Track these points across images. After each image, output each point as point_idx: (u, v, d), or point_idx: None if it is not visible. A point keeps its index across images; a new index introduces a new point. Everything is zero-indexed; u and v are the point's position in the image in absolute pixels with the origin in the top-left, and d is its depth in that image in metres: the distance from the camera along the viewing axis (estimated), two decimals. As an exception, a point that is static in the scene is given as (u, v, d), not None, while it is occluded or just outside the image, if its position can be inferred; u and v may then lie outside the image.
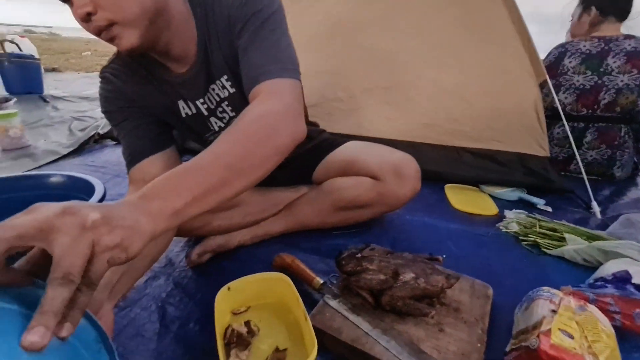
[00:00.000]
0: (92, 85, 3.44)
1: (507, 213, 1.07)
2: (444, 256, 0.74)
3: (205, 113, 0.72)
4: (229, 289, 0.65)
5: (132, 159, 0.70)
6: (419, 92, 1.33)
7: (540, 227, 0.95)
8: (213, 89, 0.70)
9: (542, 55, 1.30)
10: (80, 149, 1.57)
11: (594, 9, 1.36)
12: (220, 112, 0.73)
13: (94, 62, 5.35)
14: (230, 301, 0.65)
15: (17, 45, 2.85)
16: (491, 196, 1.23)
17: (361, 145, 0.92)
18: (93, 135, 1.67)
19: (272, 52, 0.57)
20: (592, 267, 0.83)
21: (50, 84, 3.14)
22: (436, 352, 0.56)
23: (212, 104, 0.72)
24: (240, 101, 0.70)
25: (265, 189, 0.94)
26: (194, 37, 0.63)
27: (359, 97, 1.39)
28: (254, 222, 0.89)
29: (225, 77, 0.68)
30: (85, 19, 0.50)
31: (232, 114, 0.74)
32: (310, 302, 0.67)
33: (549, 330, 0.52)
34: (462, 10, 1.27)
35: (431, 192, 1.23)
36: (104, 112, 0.72)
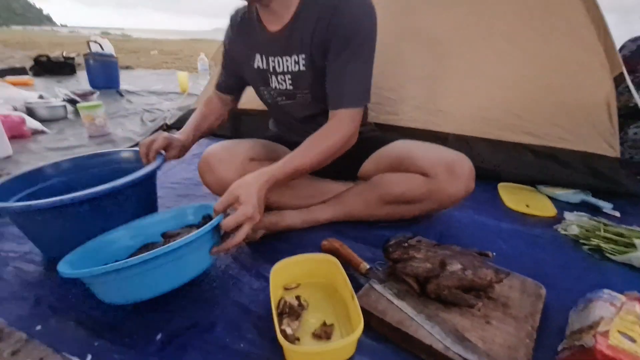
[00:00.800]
0: (159, 81, 3.78)
1: (567, 215, 1.00)
2: (494, 253, 0.73)
3: (271, 70, 0.85)
4: (281, 265, 0.71)
5: (221, 80, 1.02)
6: (476, 84, 1.27)
7: (605, 231, 0.89)
8: (287, 60, 0.81)
9: (618, 45, 1.19)
10: (151, 137, 1.75)
11: None
12: (281, 79, 0.85)
13: (161, 60, 5.85)
14: (283, 276, 0.71)
15: (100, 45, 3.23)
16: (550, 197, 1.16)
17: (412, 142, 0.92)
18: (162, 125, 1.85)
19: (356, 82, 0.76)
20: (666, 277, 0.76)
21: (125, 80, 3.51)
22: (481, 342, 0.57)
23: (279, 68, 0.83)
24: (301, 81, 0.82)
25: (316, 179, 0.99)
26: (293, 7, 0.76)
27: (410, 87, 1.36)
28: (301, 204, 0.94)
29: (303, 56, 0.79)
30: None
31: (289, 87, 0.85)
32: (356, 286, 0.70)
33: (607, 332, 0.50)
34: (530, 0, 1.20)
35: (483, 190, 1.19)
36: (224, 40, 0.97)
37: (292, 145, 0.96)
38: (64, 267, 0.60)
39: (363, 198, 0.93)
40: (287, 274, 0.72)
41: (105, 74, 3.09)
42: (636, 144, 1.29)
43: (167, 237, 0.75)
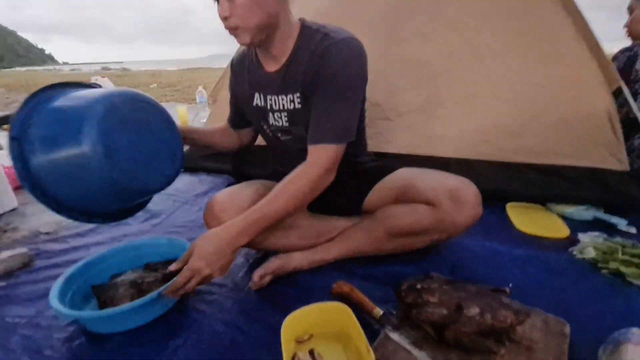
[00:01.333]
0: (159, 115, 3.84)
1: (582, 236, 0.98)
2: (510, 285, 0.70)
3: (269, 107, 0.88)
4: (292, 318, 0.68)
5: (230, 118, 1.06)
6: (474, 107, 1.27)
7: (624, 253, 0.86)
8: (282, 98, 0.84)
9: (610, 43, 1.19)
10: (154, 177, 1.76)
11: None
12: (278, 117, 0.88)
13: (160, 93, 5.96)
14: (294, 329, 0.69)
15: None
16: (561, 216, 1.13)
17: (414, 171, 0.91)
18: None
19: (337, 119, 0.77)
20: (694, 302, 0.73)
21: (126, 117, 3.56)
22: (508, 395, 0.54)
23: (276, 105, 0.87)
24: (297, 118, 0.85)
25: (321, 217, 0.98)
26: (289, 50, 0.81)
27: (409, 115, 1.37)
28: (308, 245, 0.92)
29: (298, 94, 0.82)
30: (223, 19, 0.73)
31: (286, 124, 0.88)
32: (370, 332, 0.68)
33: (643, 381, 0.47)
34: (518, 18, 1.22)
35: (491, 212, 1.15)
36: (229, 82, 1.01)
37: None
38: (56, 303, 0.72)
39: (369, 233, 0.91)
40: (298, 326, 0.70)
41: (106, 114, 3.15)
42: (642, 154, 1.27)
43: (149, 268, 0.89)
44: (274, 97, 0.85)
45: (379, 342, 0.65)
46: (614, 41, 1.37)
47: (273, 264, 0.86)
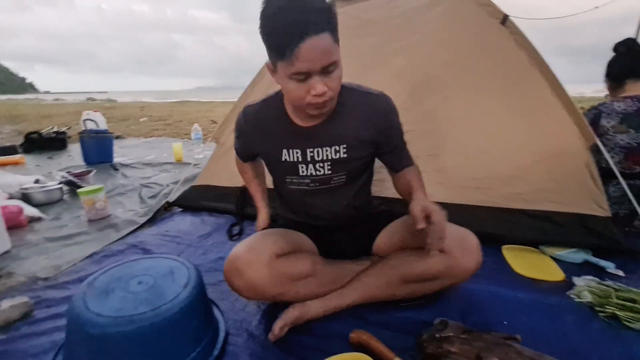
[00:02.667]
0: (151, 150, 3.84)
1: (576, 280, 1.04)
2: (519, 337, 0.75)
3: (308, 159, 0.91)
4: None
5: (238, 154, 1.10)
6: (468, 159, 1.38)
7: (617, 297, 0.92)
8: (327, 150, 0.90)
9: (571, 86, 1.35)
10: (154, 218, 1.75)
11: (606, 78, 1.50)
12: (319, 167, 0.92)
13: (151, 127, 5.99)
14: (318, 382, 0.70)
15: (95, 122, 3.32)
16: (553, 258, 1.21)
17: None
18: (163, 204, 1.86)
19: (403, 151, 1.00)
20: (686, 345, 0.79)
21: (117, 151, 3.53)
22: None
23: (318, 156, 0.91)
24: (340, 166, 0.92)
25: (335, 261, 1.01)
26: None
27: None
28: (325, 292, 0.94)
29: (344, 145, 0.89)
30: (319, 95, 0.74)
31: (328, 173, 0.93)
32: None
33: None
34: (506, 84, 1.36)
35: (488, 254, 1.21)
36: (235, 129, 1.01)
37: (308, 229, 1.01)
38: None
39: (384, 279, 0.94)
40: (321, 378, 0.71)
41: (99, 150, 3.13)
42: (618, 199, 1.39)
43: None
44: (316, 150, 0.90)
45: (403, 394, 0.67)
46: (576, 83, 1.53)
47: (292, 315, 0.88)
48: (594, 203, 1.23)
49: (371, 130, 0.90)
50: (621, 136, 1.37)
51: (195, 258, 1.34)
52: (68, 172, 2.43)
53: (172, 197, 1.90)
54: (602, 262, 1.14)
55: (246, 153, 1.06)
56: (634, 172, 1.36)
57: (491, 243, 1.27)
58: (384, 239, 1.02)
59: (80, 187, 2.10)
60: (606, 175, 1.32)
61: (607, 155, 1.25)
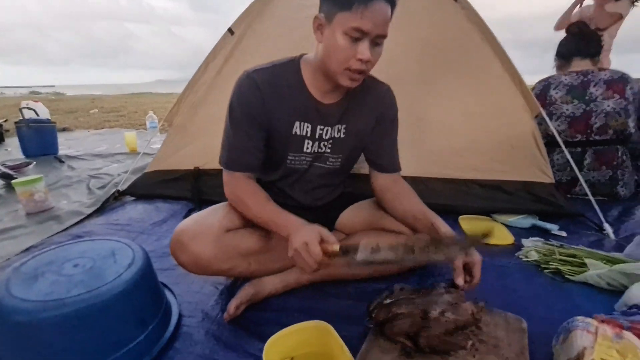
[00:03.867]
0: (102, 142, 3.57)
1: (524, 242, 1.10)
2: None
3: (317, 137, 0.88)
4: (273, 342, 0.67)
5: (235, 165, 0.84)
6: (426, 133, 1.41)
7: (560, 254, 0.98)
8: (332, 128, 0.88)
9: (528, 78, 1.41)
10: (102, 208, 1.62)
11: (556, 57, 1.61)
12: (323, 145, 0.90)
13: (102, 118, 5.57)
14: (275, 353, 0.67)
15: (34, 110, 3.02)
16: (505, 225, 1.27)
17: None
18: (113, 193, 1.73)
19: (395, 150, 0.96)
20: (618, 291, 0.86)
21: (63, 144, 3.25)
22: (484, 392, 0.58)
23: (326, 135, 0.88)
24: (339, 147, 0.91)
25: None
26: (345, 91, 0.85)
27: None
28: (281, 268, 0.92)
29: (345, 125, 0.89)
30: (364, 62, 0.73)
31: (327, 151, 0.91)
32: (353, 348, 0.69)
33: (591, 361, 0.54)
34: (458, 59, 1.39)
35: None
36: (239, 103, 0.82)
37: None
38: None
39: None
40: (279, 350, 0.68)
41: (40, 141, 2.85)
42: (561, 167, 1.49)
43: None
44: (327, 129, 0.87)
45: (361, 356, 0.67)
46: (527, 74, 1.63)
47: (248, 292, 0.84)
48: (539, 171, 1.31)
49: (373, 118, 0.90)
50: (567, 106, 1.46)
51: (148, 244, 1.25)
52: (2, 164, 2.19)
53: (124, 187, 1.78)
54: (548, 225, 1.21)
55: (249, 146, 0.82)
56: (574, 140, 1.46)
57: (448, 214, 1.31)
58: (349, 216, 1.02)
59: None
60: (550, 144, 1.40)
61: (550, 125, 1.32)
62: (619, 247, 1.09)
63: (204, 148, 1.60)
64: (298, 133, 0.86)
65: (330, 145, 0.90)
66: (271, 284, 0.89)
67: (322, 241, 0.70)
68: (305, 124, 0.86)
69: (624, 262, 0.90)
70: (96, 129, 4.59)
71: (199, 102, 1.63)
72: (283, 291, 0.91)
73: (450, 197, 1.34)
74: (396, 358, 0.66)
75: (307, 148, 0.89)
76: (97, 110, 6.60)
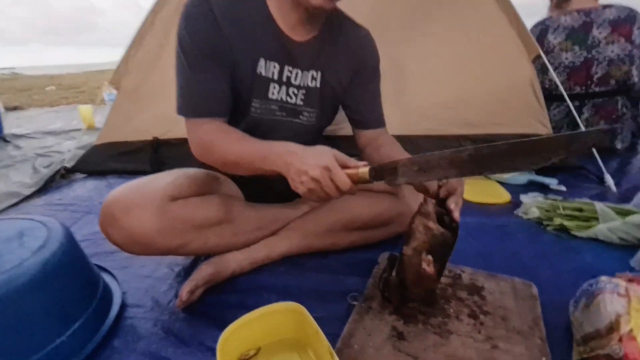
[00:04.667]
0: (57, 119, 3.24)
1: (523, 198, 0.99)
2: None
3: (284, 80, 0.72)
4: (230, 332, 0.53)
5: (197, 111, 0.66)
6: (411, 85, 1.26)
7: (564, 208, 0.87)
8: (306, 74, 0.73)
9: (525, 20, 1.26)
10: (46, 187, 1.41)
11: None
12: (293, 93, 0.74)
13: (59, 96, 5.10)
14: (235, 345, 0.54)
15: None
16: (500, 183, 1.16)
17: None
18: (59, 171, 1.51)
19: (378, 104, 0.82)
20: (631, 246, 0.76)
21: (12, 123, 2.93)
22: (497, 377, 0.46)
23: (295, 80, 0.73)
24: (313, 99, 0.76)
25: (261, 205, 0.82)
26: (321, 22, 0.71)
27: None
28: (247, 242, 0.77)
29: (320, 73, 0.74)
30: None
31: (299, 103, 0.75)
32: (331, 333, 0.56)
33: (631, 332, 0.43)
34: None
35: (436, 186, 1.15)
36: (188, 34, 0.63)
37: (238, 176, 0.77)
38: None
39: (324, 226, 0.79)
40: (240, 340, 0.55)
41: (-20, 120, 2.52)
42: (558, 124, 1.38)
43: None
44: (296, 71, 0.72)
45: (342, 342, 0.54)
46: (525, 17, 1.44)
47: (204, 273, 0.69)
48: (536, 121, 1.19)
49: (351, 66, 0.77)
50: (566, 54, 1.32)
51: (94, 225, 1.06)
52: None
53: (71, 162, 1.55)
54: (546, 180, 1.11)
55: (212, 87, 0.66)
56: (573, 93, 1.33)
57: (438, 174, 1.19)
58: None
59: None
60: (547, 98, 1.27)
61: (552, 72, 1.19)
62: (623, 200, 1.00)
63: (162, 115, 1.39)
64: (263, 74, 0.69)
65: (303, 97, 0.75)
66: (235, 261, 0.75)
67: (339, 164, 0.54)
68: (272, 63, 0.69)
69: (635, 213, 0.79)
70: (52, 106, 4.20)
71: (151, 62, 1.40)
72: (250, 269, 0.77)
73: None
74: (386, 340, 0.53)
75: (273, 94, 0.72)
76: (54, 87, 6.06)
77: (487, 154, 0.47)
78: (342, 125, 1.26)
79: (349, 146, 0.87)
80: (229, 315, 0.59)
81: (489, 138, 1.21)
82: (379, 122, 0.81)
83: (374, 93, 0.81)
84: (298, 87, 0.74)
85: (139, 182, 0.68)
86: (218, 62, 0.65)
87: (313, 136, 0.85)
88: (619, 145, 1.36)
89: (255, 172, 0.63)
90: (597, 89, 1.32)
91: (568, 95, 1.32)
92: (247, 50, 0.67)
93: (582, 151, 0.49)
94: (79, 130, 2.62)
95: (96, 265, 0.79)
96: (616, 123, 1.33)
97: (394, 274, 0.58)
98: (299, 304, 0.56)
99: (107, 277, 0.77)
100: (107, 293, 0.70)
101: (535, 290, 0.62)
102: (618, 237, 0.77)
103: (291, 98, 0.74)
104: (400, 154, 0.73)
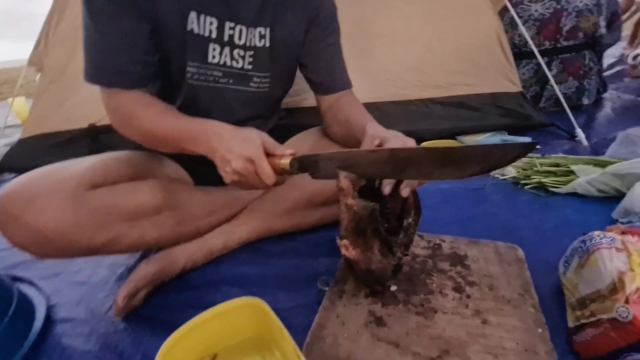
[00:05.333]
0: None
1: (498, 159, 0.94)
2: None
3: (216, 35, 0.59)
4: (176, 339, 0.43)
5: (110, 77, 0.54)
6: (374, 47, 1.16)
7: (541, 165, 0.83)
8: (252, 32, 0.62)
9: None
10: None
11: None
12: (238, 55, 0.62)
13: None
14: (183, 354, 0.44)
15: None
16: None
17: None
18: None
19: (340, 62, 0.72)
20: (610, 197, 0.73)
21: None
22: (491, 358, 0.40)
23: (240, 40, 0.61)
24: (263, 61, 0.65)
25: (212, 188, 0.71)
26: None
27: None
28: (197, 230, 0.66)
29: (270, 30, 0.63)
30: None
31: (247, 67, 0.64)
32: (302, 325, 0.48)
33: (637, 290, 0.37)
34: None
35: (408, 155, 1.08)
36: None
37: (185, 156, 0.64)
38: None
39: (287, 205, 0.69)
40: (191, 347, 0.45)
41: None
42: (526, 82, 1.34)
43: None
44: (240, 28, 0.60)
45: (312, 336, 0.45)
46: None
47: (145, 272, 0.58)
48: (505, 79, 1.14)
49: (304, 19, 0.66)
50: (535, 6, 1.27)
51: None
52: None
53: (-3, 161, 1.34)
54: (519, 139, 1.07)
55: (128, 47, 0.53)
56: (542, 48, 1.29)
57: (409, 142, 1.12)
58: None
59: None
60: (516, 57, 1.22)
61: (522, 28, 1.13)
62: (595, 153, 0.98)
63: (98, 97, 1.20)
64: (196, 31, 0.57)
65: (251, 59, 0.63)
66: (186, 254, 0.64)
67: (266, 153, 0.48)
68: (207, 17, 0.57)
69: (611, 163, 0.76)
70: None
71: (78, 34, 1.20)
72: (206, 261, 0.66)
73: (410, 121, 1.13)
74: (362, 327, 0.46)
75: (214, 57, 0.60)
76: (-14, 83, 5.40)
77: (404, 157, 0.45)
78: (304, 96, 1.15)
79: (314, 119, 0.78)
80: (181, 317, 0.48)
81: (458, 99, 1.15)
82: (344, 84, 0.71)
83: (335, 48, 0.70)
84: (244, 48, 0.62)
85: (47, 169, 0.55)
86: (134, 15, 0.52)
87: (268, 107, 0.74)
88: (585, 101, 1.35)
89: (181, 151, 0.54)
90: (565, 43, 1.29)
91: (538, 51, 1.28)
92: (173, 1, 0.54)
93: (500, 164, 0.46)
94: (13, 126, 2.33)
95: (13, 277, 0.66)
96: (583, 79, 1.31)
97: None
98: (258, 299, 0.47)
99: (29, 290, 0.64)
100: (25, 309, 0.57)
101: (521, 253, 0.56)
102: (597, 189, 0.73)
103: (237, 62, 0.63)
104: (360, 115, 0.65)
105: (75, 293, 0.65)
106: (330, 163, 0.47)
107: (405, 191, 0.48)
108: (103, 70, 0.53)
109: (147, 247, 0.62)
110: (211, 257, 0.67)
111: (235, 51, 0.61)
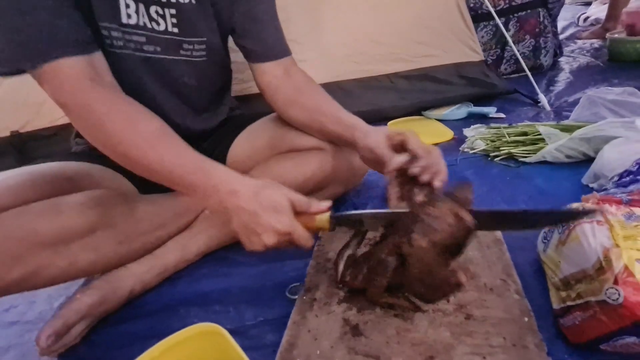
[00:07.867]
0: None
1: (466, 132, 0.91)
2: None
3: None
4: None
5: (49, 49, 0.42)
6: (328, 23, 1.08)
7: (509, 135, 0.81)
8: None
9: None
10: None
11: None
12: (156, 14, 0.52)
13: None
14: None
15: None
16: (439, 121, 1.07)
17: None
18: None
19: (276, 24, 0.63)
20: (578, 162, 0.72)
21: None
22: (479, 359, 0.36)
23: None
24: (189, 23, 0.55)
25: (160, 196, 0.62)
26: None
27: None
28: (145, 247, 0.57)
29: None
30: None
31: (173, 30, 0.54)
32: (274, 342, 0.42)
33: (626, 268, 0.34)
34: None
35: (375, 135, 1.03)
36: None
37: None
38: None
39: None
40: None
41: None
42: (486, 45, 1.32)
43: None
44: None
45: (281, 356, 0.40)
46: None
47: (79, 304, 0.49)
48: (467, 48, 1.10)
49: None
50: None
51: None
52: None
53: None
54: (485, 109, 1.05)
55: (61, 21, 0.42)
56: (497, 9, 1.26)
57: (376, 121, 1.07)
58: (243, 145, 0.69)
59: None
60: (473, 20, 1.19)
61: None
62: (558, 117, 0.98)
63: (19, 101, 1.05)
64: None
65: (175, 20, 0.54)
66: (133, 276, 0.55)
67: (296, 212, 0.44)
68: None
69: (577, 127, 0.75)
70: None
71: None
72: (159, 281, 0.58)
73: (374, 99, 1.08)
74: (337, 341, 0.41)
75: (129, 16, 0.50)
76: None
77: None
78: (252, 83, 1.06)
79: (263, 105, 0.69)
80: (130, 353, 0.41)
81: (422, 72, 1.11)
82: (283, 49, 0.63)
83: (267, 10, 0.62)
84: (162, 4, 0.52)
85: None
86: None
87: (211, 84, 0.65)
88: (544, 61, 1.35)
89: (167, 185, 0.47)
90: (520, 1, 1.28)
91: (495, 12, 1.26)
92: None
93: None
94: None
95: None
96: (540, 37, 1.31)
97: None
98: (214, 325, 0.40)
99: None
100: None
101: (499, 232, 0.53)
102: (565, 155, 0.72)
103: (157, 23, 0.53)
104: (328, 103, 0.60)
105: (5, 337, 0.55)
106: (376, 221, 0.45)
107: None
108: (22, 43, 0.42)
109: (83, 274, 0.53)
110: (165, 276, 0.59)
111: (152, 8, 0.52)
